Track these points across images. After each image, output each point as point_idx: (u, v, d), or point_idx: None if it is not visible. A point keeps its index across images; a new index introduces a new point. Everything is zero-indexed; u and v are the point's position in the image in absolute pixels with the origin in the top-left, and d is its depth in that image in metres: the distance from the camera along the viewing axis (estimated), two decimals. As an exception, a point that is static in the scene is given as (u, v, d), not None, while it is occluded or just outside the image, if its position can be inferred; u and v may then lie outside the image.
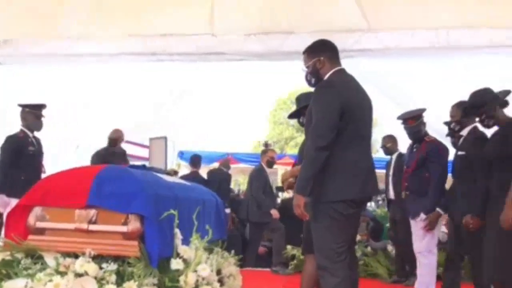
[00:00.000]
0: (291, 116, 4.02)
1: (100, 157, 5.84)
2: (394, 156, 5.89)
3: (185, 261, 2.62)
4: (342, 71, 3.04)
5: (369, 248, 6.55)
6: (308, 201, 2.87)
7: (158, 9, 6.98)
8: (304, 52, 3.14)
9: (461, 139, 4.08)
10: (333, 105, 2.79)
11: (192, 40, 7.53)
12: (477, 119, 3.81)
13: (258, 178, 6.56)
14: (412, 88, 7.25)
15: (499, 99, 3.69)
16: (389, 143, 5.88)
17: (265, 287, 5.28)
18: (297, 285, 3.72)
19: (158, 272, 2.49)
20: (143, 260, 2.44)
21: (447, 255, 4.14)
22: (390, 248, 6.41)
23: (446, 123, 4.49)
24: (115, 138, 5.86)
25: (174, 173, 5.35)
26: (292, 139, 27.82)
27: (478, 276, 3.82)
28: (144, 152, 5.97)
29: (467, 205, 3.74)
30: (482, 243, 3.69)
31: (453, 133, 4.32)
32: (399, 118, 5.02)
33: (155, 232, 2.44)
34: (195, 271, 2.60)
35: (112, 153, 5.73)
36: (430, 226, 4.30)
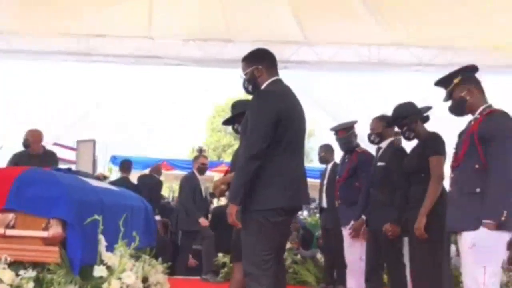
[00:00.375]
0: (226, 122, 4.02)
1: (15, 159, 5.49)
2: (329, 166, 6.01)
3: (109, 268, 2.54)
4: (279, 81, 3.07)
5: (298, 256, 6.65)
6: (240, 209, 2.87)
7: (94, 9, 6.81)
8: (243, 59, 3.14)
9: (381, 151, 4.25)
10: (269, 114, 2.81)
11: (129, 42, 7.40)
12: (398, 130, 3.98)
13: (188, 185, 6.47)
14: (346, 100, 7.51)
15: (421, 113, 3.89)
16: (324, 152, 6.01)
17: (195, 295, 5.22)
18: (226, 293, 3.70)
19: (80, 279, 2.40)
20: (64, 267, 2.35)
21: (367, 265, 4.24)
22: (319, 256, 6.55)
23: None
24: (28, 140, 5.49)
25: (104, 178, 5.14)
26: (229, 146, 27.85)
27: (395, 283, 3.97)
28: (73, 155, 5.72)
29: (387, 213, 3.90)
30: (399, 252, 3.85)
31: (372, 145, 4.51)
32: (331, 129, 5.17)
33: (78, 238, 2.36)
34: (119, 278, 2.53)
35: (28, 155, 5.36)
36: (354, 234, 4.45)
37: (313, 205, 9.30)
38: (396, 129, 4.11)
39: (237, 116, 3.66)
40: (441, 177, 3.59)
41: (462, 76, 2.95)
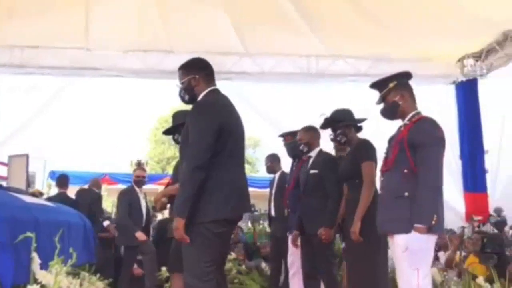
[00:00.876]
0: (166, 132, 3.97)
1: None
2: (277, 175, 6.06)
3: (43, 287, 2.45)
4: (217, 91, 3.06)
5: (243, 267, 6.65)
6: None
7: (28, 19, 6.56)
8: (179, 69, 3.11)
9: (311, 160, 4.31)
10: (210, 125, 2.79)
11: (65, 53, 7.19)
12: (331, 134, 4.05)
13: (125, 199, 6.30)
14: (287, 110, 7.64)
15: (356, 121, 4.02)
16: (270, 162, 6.06)
17: (138, 310, 5.10)
18: (169, 307, 3.64)
19: (12, 301, 2.30)
20: (-6, 289, 2.24)
21: (304, 271, 4.30)
22: (263, 265, 6.58)
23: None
24: None
25: (40, 194, 4.91)
26: (174, 158, 27.45)
27: (330, 286, 4.04)
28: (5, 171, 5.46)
29: (320, 219, 3.97)
30: (332, 256, 3.93)
31: (298, 155, 4.60)
32: (279, 136, 5.25)
33: (9, 257, 2.25)
34: (55, 297, 2.44)
35: None
36: (293, 244, 4.54)
37: (256, 214, 9.33)
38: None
39: (178, 126, 3.64)
40: (372, 182, 3.68)
41: (397, 81, 3.03)
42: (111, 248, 6.72)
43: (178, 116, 3.72)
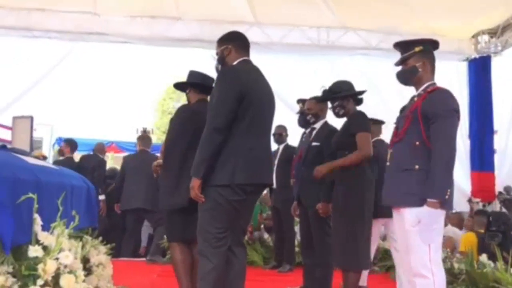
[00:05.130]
0: (178, 86, 3.87)
1: None
2: (281, 146, 6.03)
3: (45, 248, 2.44)
4: (248, 61, 3.05)
5: (246, 238, 6.70)
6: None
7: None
8: (217, 41, 3.14)
9: (315, 131, 4.20)
10: (232, 89, 2.81)
11: (72, 17, 7.10)
12: (330, 105, 3.94)
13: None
14: (294, 82, 7.52)
15: (355, 93, 3.86)
16: (278, 132, 6.02)
17: (140, 276, 5.14)
18: (172, 273, 3.64)
19: (13, 260, 2.30)
20: (-5, 248, 2.23)
21: (302, 241, 4.27)
22: (266, 236, 6.62)
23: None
24: None
25: (43, 158, 4.91)
26: (180, 129, 27.47)
27: (322, 257, 3.95)
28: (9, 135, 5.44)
29: (318, 191, 3.87)
30: (327, 228, 3.90)
31: (307, 124, 4.51)
32: (298, 101, 5.14)
33: (10, 217, 2.23)
34: (56, 258, 2.43)
35: None
36: (293, 213, 4.52)
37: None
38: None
39: (191, 84, 3.60)
40: (367, 153, 3.57)
41: (423, 47, 2.88)
42: (116, 215, 6.76)
43: (194, 74, 3.65)
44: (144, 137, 6.82)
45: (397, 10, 6.73)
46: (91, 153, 7.33)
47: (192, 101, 3.65)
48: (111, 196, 6.70)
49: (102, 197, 6.52)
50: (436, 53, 3.00)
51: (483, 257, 4.16)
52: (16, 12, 7.16)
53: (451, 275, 4.26)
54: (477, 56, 7.66)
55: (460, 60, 7.86)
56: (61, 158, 7.00)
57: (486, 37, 7.53)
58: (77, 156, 7.28)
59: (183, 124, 3.44)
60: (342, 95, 3.77)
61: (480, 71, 7.69)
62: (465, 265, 4.27)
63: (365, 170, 3.63)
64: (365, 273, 4.14)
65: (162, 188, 3.49)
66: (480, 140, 7.74)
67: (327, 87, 3.90)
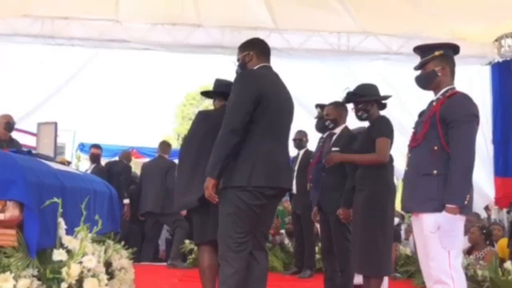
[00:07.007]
0: (204, 93, 3.93)
1: None
2: (302, 152, 6.05)
3: (69, 252, 2.48)
4: (268, 67, 3.09)
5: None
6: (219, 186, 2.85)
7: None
8: (238, 47, 3.21)
9: (335, 136, 4.22)
10: (249, 91, 2.84)
11: (95, 25, 7.22)
12: (353, 109, 3.89)
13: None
14: (314, 88, 7.51)
15: (380, 97, 3.84)
16: (303, 137, 6.05)
17: (161, 280, 5.18)
18: (193, 278, 3.68)
19: (38, 263, 2.34)
20: (21, 251, 2.28)
21: (323, 246, 4.28)
22: (286, 241, 6.60)
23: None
24: None
25: (68, 163, 5.00)
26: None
27: (342, 264, 3.99)
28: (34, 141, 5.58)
29: (338, 198, 3.89)
30: (347, 233, 3.88)
31: (325, 129, 4.51)
32: (316, 106, 5.20)
33: (35, 221, 2.28)
34: (80, 262, 2.47)
35: None
36: (314, 219, 4.49)
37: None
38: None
39: (216, 93, 3.63)
40: (381, 159, 3.55)
41: (444, 51, 2.86)
42: (138, 220, 6.84)
43: (221, 83, 3.69)
44: (163, 143, 6.94)
45: (418, 15, 6.67)
46: (117, 159, 7.50)
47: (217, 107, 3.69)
48: (133, 201, 6.79)
49: (126, 201, 6.62)
50: (458, 57, 2.97)
51: (508, 264, 4.08)
52: (41, 20, 7.31)
53: (475, 282, 4.19)
54: (500, 60, 7.53)
55: (483, 64, 7.73)
56: (93, 165, 7.16)
57: (509, 41, 7.40)
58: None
59: (196, 127, 3.47)
60: (366, 99, 3.74)
61: (503, 75, 7.56)
62: (489, 272, 4.19)
63: (386, 175, 3.61)
64: (386, 279, 4.11)
65: (176, 189, 3.52)
66: (504, 145, 7.59)
67: (351, 89, 3.89)
